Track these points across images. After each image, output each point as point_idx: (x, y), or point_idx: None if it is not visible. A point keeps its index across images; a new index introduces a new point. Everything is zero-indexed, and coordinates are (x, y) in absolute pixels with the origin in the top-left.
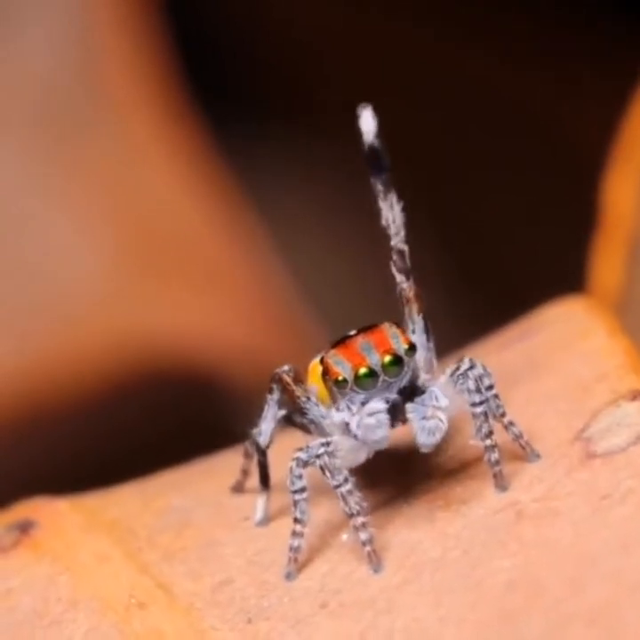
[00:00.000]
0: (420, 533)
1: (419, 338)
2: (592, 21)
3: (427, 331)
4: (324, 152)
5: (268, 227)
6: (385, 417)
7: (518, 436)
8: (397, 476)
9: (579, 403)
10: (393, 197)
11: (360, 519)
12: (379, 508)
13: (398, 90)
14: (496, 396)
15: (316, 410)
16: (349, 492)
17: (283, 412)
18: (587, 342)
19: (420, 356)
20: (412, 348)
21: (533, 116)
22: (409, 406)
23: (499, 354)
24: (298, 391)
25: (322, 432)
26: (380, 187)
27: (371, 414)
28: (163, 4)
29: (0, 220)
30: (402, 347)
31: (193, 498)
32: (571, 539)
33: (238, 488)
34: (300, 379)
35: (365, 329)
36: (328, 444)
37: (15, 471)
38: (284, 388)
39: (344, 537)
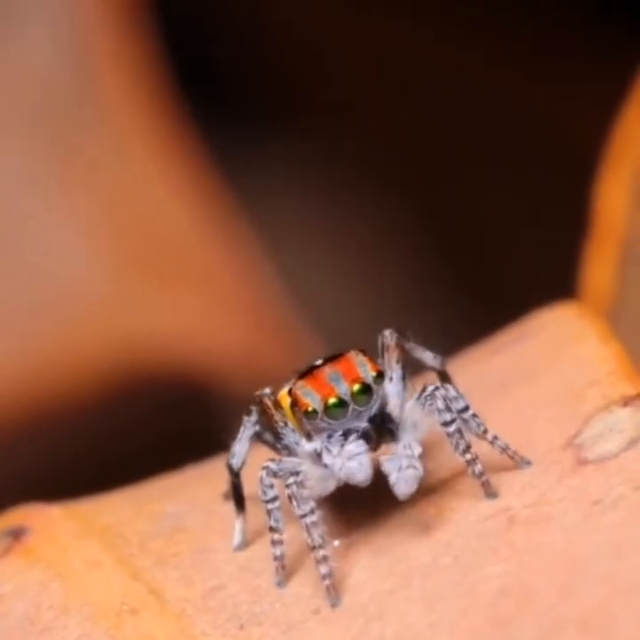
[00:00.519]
0: (411, 541)
1: (395, 386)
2: (592, 21)
3: (404, 378)
4: (324, 153)
5: (263, 231)
6: (366, 459)
7: (505, 448)
8: (388, 484)
9: (571, 408)
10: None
11: (321, 552)
12: (369, 516)
13: (398, 90)
14: (474, 415)
15: (292, 436)
16: (314, 523)
17: (255, 428)
18: (579, 348)
19: (394, 402)
20: (380, 375)
21: (533, 116)
22: (383, 459)
23: (491, 359)
24: (277, 416)
25: (292, 457)
26: None
27: (351, 457)
28: (162, 5)
29: (0, 220)
30: (370, 374)
31: (186, 504)
32: (562, 544)
33: (229, 496)
34: (279, 403)
35: (332, 358)
36: (297, 474)
37: (14, 472)
38: (264, 411)
39: (336, 543)
